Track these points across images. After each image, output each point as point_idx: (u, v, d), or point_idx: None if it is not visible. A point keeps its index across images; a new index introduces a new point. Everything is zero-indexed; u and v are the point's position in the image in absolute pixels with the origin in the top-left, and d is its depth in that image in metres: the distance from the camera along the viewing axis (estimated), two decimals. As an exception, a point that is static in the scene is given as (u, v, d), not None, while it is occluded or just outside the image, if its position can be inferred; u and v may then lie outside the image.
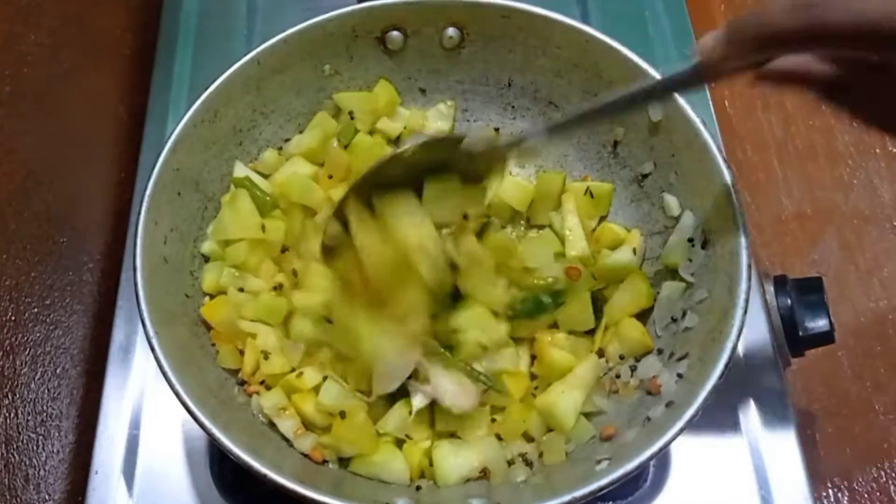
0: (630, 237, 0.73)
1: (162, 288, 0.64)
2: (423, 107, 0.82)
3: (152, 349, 0.59)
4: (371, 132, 0.79)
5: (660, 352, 0.67)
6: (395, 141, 0.80)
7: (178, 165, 0.68)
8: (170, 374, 0.58)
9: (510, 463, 0.65)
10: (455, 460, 0.64)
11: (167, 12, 0.97)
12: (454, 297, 0.67)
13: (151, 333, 0.59)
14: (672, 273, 0.69)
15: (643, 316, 0.70)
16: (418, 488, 0.63)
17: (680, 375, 0.62)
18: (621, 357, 0.68)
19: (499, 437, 0.66)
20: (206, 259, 0.72)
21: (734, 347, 0.58)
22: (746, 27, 0.47)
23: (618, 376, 0.68)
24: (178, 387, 0.57)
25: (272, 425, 0.65)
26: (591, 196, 0.74)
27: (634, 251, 0.71)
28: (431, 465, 0.65)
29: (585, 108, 0.60)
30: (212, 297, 0.70)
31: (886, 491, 0.75)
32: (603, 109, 0.59)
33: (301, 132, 0.78)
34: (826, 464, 0.80)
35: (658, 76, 0.68)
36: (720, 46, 0.49)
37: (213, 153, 0.72)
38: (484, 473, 0.64)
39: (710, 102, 0.89)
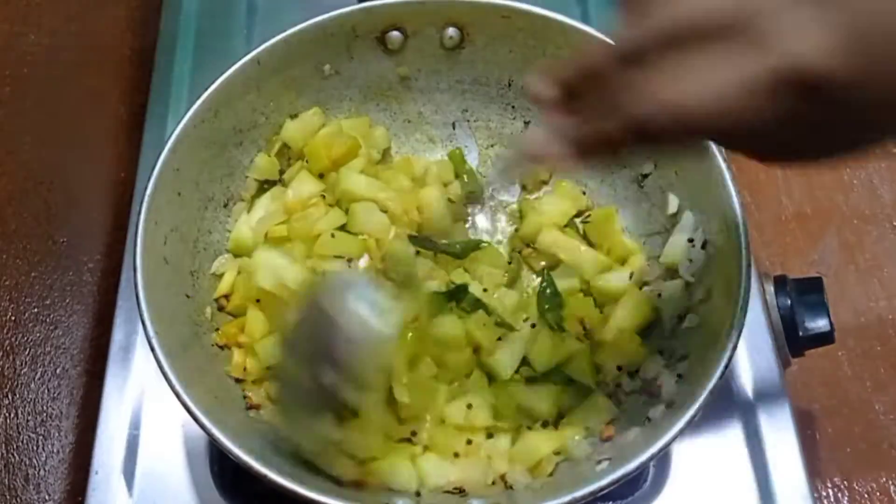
0: (632, 260, 0.72)
1: (162, 288, 0.64)
2: (422, 107, 0.82)
3: (152, 349, 0.59)
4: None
5: (660, 352, 0.67)
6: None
7: (179, 165, 0.68)
8: (170, 373, 0.58)
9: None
10: (435, 471, 0.63)
11: (167, 12, 0.97)
12: None
13: (151, 333, 0.59)
14: (672, 273, 0.69)
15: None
16: (417, 493, 0.63)
17: (680, 376, 0.62)
18: (619, 368, 0.68)
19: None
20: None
21: (734, 347, 0.58)
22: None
23: (618, 385, 0.68)
24: (177, 386, 0.57)
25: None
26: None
27: (632, 276, 0.71)
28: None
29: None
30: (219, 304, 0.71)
31: (886, 491, 0.75)
32: None
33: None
34: (826, 464, 0.80)
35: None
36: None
37: (213, 153, 0.72)
38: (460, 491, 0.63)
39: (710, 102, 0.89)
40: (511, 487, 0.63)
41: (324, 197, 0.73)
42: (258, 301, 0.69)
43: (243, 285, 0.70)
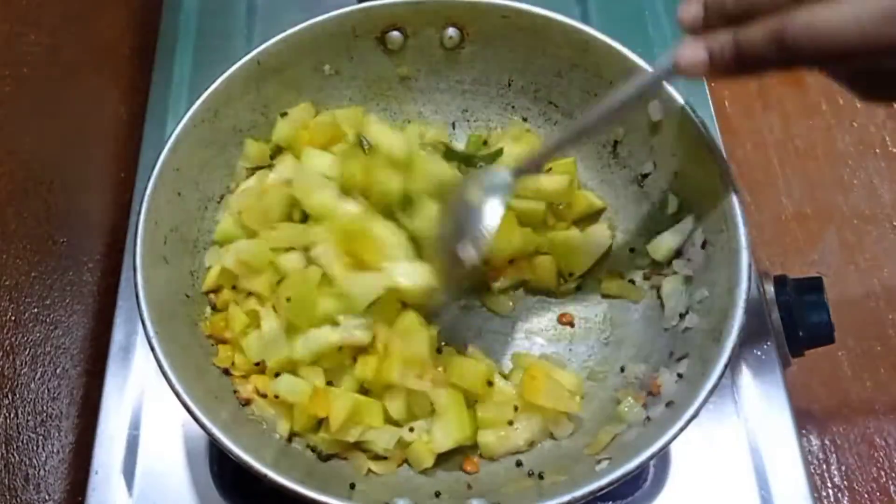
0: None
1: (162, 288, 0.64)
2: (422, 107, 0.82)
3: (152, 349, 0.59)
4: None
5: (660, 351, 0.67)
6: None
7: (179, 165, 0.68)
8: (170, 373, 0.58)
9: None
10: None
11: (167, 12, 0.97)
12: None
13: (151, 333, 0.59)
14: (664, 267, 0.69)
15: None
16: (437, 494, 0.63)
17: (680, 375, 0.62)
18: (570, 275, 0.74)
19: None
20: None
21: (734, 347, 0.58)
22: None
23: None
24: (177, 386, 0.57)
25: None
26: None
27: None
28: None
29: (586, 121, 0.60)
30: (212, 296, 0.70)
31: (886, 491, 0.75)
32: (603, 115, 0.59)
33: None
34: (826, 463, 0.80)
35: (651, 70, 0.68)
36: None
37: (213, 153, 0.72)
38: (437, 495, 0.63)
39: (710, 102, 0.89)
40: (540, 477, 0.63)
41: None
42: (234, 288, 0.69)
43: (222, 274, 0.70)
